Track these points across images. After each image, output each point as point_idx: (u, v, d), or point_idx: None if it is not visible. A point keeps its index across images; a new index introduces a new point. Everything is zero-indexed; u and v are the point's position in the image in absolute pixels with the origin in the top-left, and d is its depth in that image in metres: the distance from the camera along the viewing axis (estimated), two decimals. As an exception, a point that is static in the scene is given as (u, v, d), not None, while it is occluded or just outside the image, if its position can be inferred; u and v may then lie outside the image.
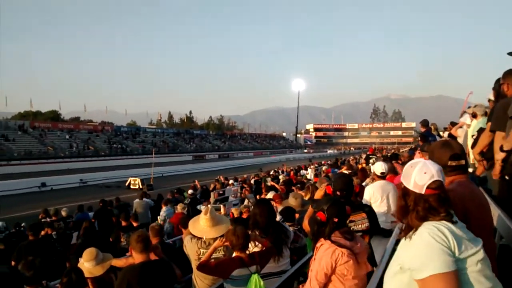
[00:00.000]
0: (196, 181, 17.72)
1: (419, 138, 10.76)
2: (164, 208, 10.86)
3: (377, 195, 5.39)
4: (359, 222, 3.59)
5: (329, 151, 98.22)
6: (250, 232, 3.80)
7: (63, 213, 11.65)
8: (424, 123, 10.63)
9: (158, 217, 10.94)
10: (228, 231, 3.69)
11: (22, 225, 10.95)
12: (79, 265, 3.99)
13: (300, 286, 3.10)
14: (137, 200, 12.50)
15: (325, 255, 2.78)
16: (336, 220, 2.89)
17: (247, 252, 3.64)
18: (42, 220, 10.56)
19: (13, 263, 5.92)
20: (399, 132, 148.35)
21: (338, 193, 3.73)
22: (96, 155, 62.40)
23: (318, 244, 2.93)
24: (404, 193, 1.81)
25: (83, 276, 3.62)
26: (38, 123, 70.64)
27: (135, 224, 8.64)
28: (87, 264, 3.95)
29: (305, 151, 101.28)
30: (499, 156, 3.11)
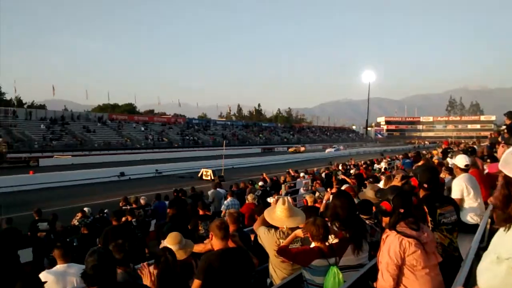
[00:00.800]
0: (264, 174, 17.89)
1: (505, 131, 10.09)
2: (229, 199, 11.06)
3: (469, 188, 5.11)
4: (448, 215, 3.47)
5: (332, 148, 75.34)
6: (329, 224, 3.78)
7: (142, 202, 12.22)
8: (510, 115, 9.94)
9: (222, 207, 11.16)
10: (308, 222, 3.68)
11: (105, 211, 11.62)
12: (161, 246, 4.13)
13: (374, 284, 3.05)
14: (212, 190, 12.94)
15: (392, 246, 2.74)
16: (402, 210, 2.83)
17: (327, 243, 3.62)
18: (123, 207, 11.14)
19: (99, 246, 6.31)
20: (478, 126, 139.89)
21: (425, 185, 3.61)
22: (170, 147, 64.87)
23: (383, 236, 2.89)
24: (507, 181, 1.70)
25: (176, 257, 3.76)
26: (116, 115, 74.87)
27: (208, 213, 8.87)
28: (171, 247, 4.10)
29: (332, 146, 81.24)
30: None
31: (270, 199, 11.73)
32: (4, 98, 74.93)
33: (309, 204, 8.35)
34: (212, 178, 27.88)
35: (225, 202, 11.05)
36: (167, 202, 11.95)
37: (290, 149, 74.80)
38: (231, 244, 3.95)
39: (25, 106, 75.51)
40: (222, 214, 10.42)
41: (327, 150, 71.74)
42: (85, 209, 11.01)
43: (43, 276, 3.21)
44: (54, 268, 3.90)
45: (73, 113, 70.16)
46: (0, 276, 6.03)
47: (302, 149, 75.22)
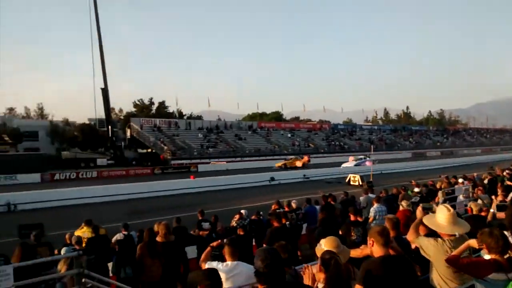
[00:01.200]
0: (413, 180, 17.00)
1: None
2: (375, 205, 10.73)
3: None
4: None
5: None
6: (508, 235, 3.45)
7: (293, 205, 12.50)
8: None
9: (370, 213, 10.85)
10: (483, 232, 3.39)
11: (261, 213, 12.16)
12: (317, 249, 4.15)
13: None
14: (363, 196, 12.80)
15: None
16: None
17: (505, 256, 3.30)
18: (276, 210, 11.52)
19: (264, 245, 6.65)
20: None
21: None
22: (316, 152, 65.51)
23: None
24: None
25: (341, 260, 3.76)
26: (264, 123, 78.54)
27: (360, 219, 8.72)
28: None
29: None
30: None
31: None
32: (168, 111, 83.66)
33: (474, 212, 7.70)
34: (360, 183, 27.44)
35: (372, 208, 10.81)
36: (317, 207, 12.07)
37: (277, 164, 48.82)
38: (391, 251, 3.83)
39: (185, 117, 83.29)
40: (370, 220, 10.22)
41: (344, 165, 43.86)
42: (242, 211, 11.60)
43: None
44: (225, 265, 4.20)
45: (226, 122, 75.75)
46: (170, 270, 6.76)
47: (302, 161, 48.83)
